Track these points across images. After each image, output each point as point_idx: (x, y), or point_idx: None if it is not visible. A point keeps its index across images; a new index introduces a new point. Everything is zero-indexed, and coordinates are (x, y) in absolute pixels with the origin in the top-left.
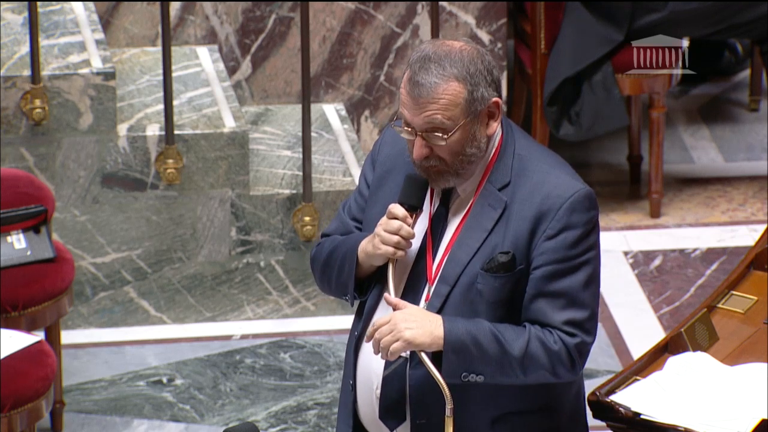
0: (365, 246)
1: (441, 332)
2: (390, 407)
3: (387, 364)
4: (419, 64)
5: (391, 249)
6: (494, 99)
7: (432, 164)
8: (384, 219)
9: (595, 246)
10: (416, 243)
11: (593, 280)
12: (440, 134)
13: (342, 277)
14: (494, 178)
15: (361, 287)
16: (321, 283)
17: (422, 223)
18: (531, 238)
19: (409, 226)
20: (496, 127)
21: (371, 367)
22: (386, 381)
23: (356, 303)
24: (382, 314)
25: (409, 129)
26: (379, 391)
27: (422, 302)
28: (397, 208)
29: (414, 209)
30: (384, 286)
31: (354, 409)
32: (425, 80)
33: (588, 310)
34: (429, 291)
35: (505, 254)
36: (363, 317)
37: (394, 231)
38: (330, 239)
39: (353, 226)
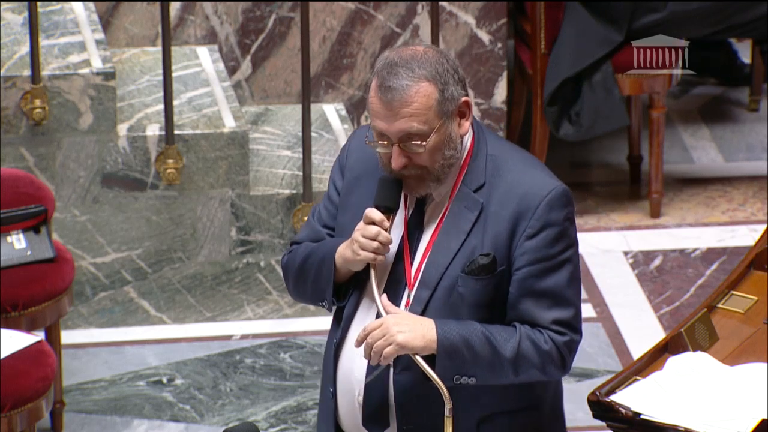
0: (343, 251)
1: (434, 335)
2: (373, 414)
3: (369, 371)
4: (387, 70)
5: (371, 255)
6: (464, 98)
7: (412, 172)
8: (361, 224)
9: (575, 243)
10: (393, 248)
11: (575, 277)
12: (418, 141)
13: (319, 284)
14: (469, 179)
15: (338, 293)
16: (295, 290)
17: (398, 228)
18: (511, 239)
19: (386, 229)
20: (468, 127)
21: (352, 374)
22: (368, 388)
23: (334, 309)
24: (360, 321)
25: (384, 142)
26: (361, 398)
27: (402, 307)
28: (373, 212)
29: (390, 211)
30: (362, 293)
31: (335, 416)
32: (396, 84)
33: (573, 308)
34: (409, 296)
35: (486, 256)
36: (341, 324)
37: (372, 237)
38: (302, 246)
39: (324, 234)
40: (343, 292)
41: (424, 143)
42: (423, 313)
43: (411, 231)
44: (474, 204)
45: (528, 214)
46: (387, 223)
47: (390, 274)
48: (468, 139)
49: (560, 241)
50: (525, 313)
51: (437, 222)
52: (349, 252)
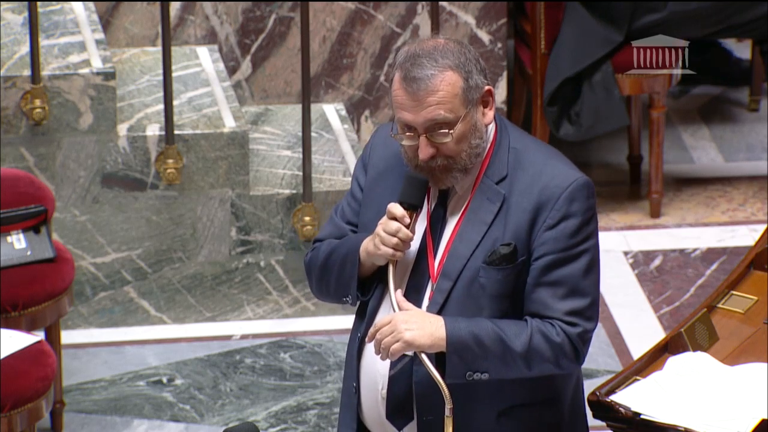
0: (367, 245)
1: (442, 333)
2: (397, 407)
3: (392, 364)
4: (410, 62)
5: (390, 250)
6: (487, 87)
7: (439, 163)
8: (384, 219)
9: (594, 234)
10: (416, 242)
11: (593, 268)
12: (445, 130)
13: (343, 278)
14: (491, 172)
15: (362, 287)
16: (318, 287)
17: (421, 222)
18: (531, 229)
19: (407, 225)
20: (492, 116)
21: (376, 368)
22: (392, 381)
23: (357, 304)
24: (385, 315)
25: (410, 133)
26: (385, 392)
27: (426, 300)
28: (395, 208)
29: (414, 208)
30: (386, 287)
31: (357, 411)
32: (421, 74)
33: (589, 298)
34: (432, 288)
35: (507, 246)
36: (366, 318)
37: (392, 232)
38: (326, 243)
39: (347, 230)
40: (367, 287)
41: (451, 131)
42: (445, 304)
43: (434, 224)
44: (496, 195)
45: (549, 205)
46: (408, 220)
47: (414, 267)
48: (491, 132)
49: (580, 232)
50: (539, 303)
51: (460, 214)
52: (371, 246)
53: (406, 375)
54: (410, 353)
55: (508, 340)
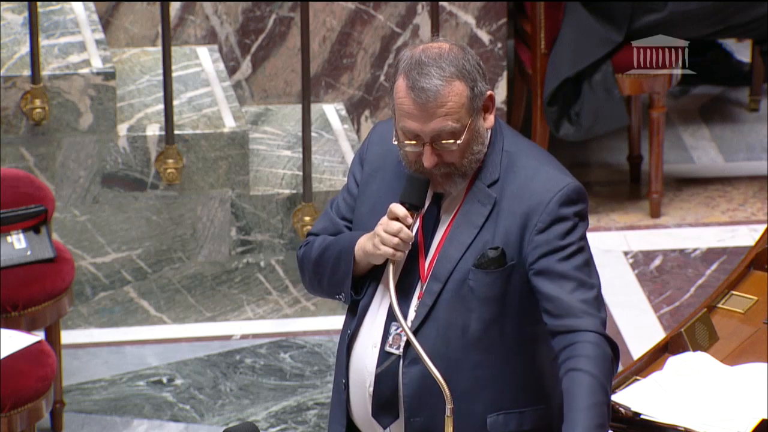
0: (364, 244)
1: None
2: (383, 405)
3: (380, 362)
4: (417, 70)
5: (390, 250)
6: (489, 92)
7: (442, 170)
8: (385, 219)
9: (584, 237)
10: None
11: (590, 263)
12: (452, 140)
13: (337, 275)
14: (483, 175)
15: (356, 286)
16: (310, 282)
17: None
18: (522, 234)
19: (408, 225)
20: (492, 120)
21: (364, 365)
22: (379, 378)
23: (350, 301)
24: (373, 313)
25: (414, 141)
26: (372, 389)
27: (415, 300)
28: (397, 208)
29: (416, 209)
30: (378, 285)
31: (347, 408)
32: (429, 84)
33: (595, 289)
34: (422, 289)
35: (494, 250)
36: (357, 315)
37: (394, 233)
38: (320, 238)
39: (342, 226)
40: (360, 285)
41: (458, 141)
42: (434, 306)
43: (426, 225)
44: (487, 198)
45: (539, 210)
46: (410, 220)
47: (404, 267)
48: (486, 135)
49: (571, 234)
50: (554, 300)
51: (451, 216)
52: (370, 245)
53: (392, 374)
54: (398, 352)
55: (599, 404)
